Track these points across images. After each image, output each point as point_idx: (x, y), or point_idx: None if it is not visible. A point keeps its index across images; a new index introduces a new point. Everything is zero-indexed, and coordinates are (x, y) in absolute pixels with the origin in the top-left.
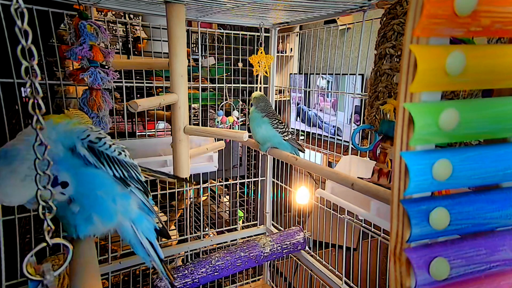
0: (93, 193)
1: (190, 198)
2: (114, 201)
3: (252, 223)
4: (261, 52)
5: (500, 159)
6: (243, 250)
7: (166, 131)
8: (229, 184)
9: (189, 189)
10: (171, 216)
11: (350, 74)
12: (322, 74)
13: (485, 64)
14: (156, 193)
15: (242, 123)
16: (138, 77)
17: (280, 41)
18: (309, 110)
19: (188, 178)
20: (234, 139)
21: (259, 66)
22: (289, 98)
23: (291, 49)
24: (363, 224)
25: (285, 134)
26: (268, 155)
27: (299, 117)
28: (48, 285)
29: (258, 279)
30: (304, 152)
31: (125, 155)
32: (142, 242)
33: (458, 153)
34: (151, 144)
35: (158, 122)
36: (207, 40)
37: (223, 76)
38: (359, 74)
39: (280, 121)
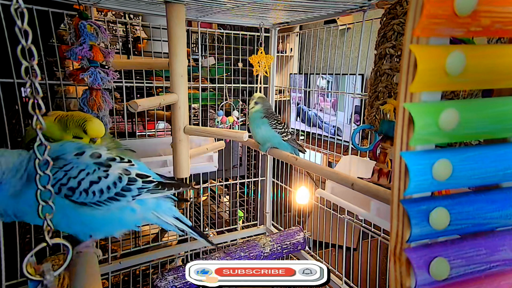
0: (104, 224)
1: (190, 198)
2: (133, 211)
3: (252, 223)
4: (261, 52)
5: (500, 159)
6: (243, 250)
7: (166, 131)
8: (229, 184)
9: (189, 189)
10: None
11: (350, 74)
12: (322, 74)
13: (485, 64)
14: None
15: (242, 123)
16: (138, 77)
17: (280, 41)
18: (309, 110)
19: (188, 181)
20: (234, 139)
21: (259, 66)
22: (289, 98)
23: (291, 49)
24: (363, 224)
25: (285, 134)
26: (268, 155)
27: (299, 117)
28: (48, 285)
29: None
30: (304, 153)
31: (109, 186)
32: (168, 222)
33: (458, 153)
34: (151, 144)
35: (158, 122)
36: (207, 40)
37: (223, 76)
38: (359, 74)
39: (279, 122)
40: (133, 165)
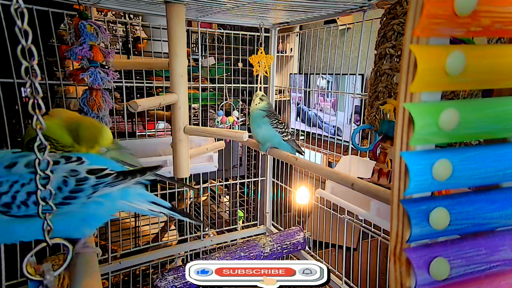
0: (74, 225)
1: (190, 198)
2: (100, 204)
3: (252, 223)
4: (261, 52)
5: (500, 159)
6: (243, 250)
7: (166, 131)
8: (229, 184)
9: (189, 189)
10: None
11: (350, 74)
12: (322, 74)
13: (485, 64)
14: (156, 193)
15: (242, 123)
16: (138, 77)
17: (280, 41)
18: (309, 110)
19: (188, 181)
20: (234, 139)
21: (259, 66)
22: (289, 98)
23: (291, 49)
24: (363, 224)
25: (285, 134)
26: (268, 155)
27: (299, 117)
28: (48, 285)
29: None
30: (303, 154)
31: (80, 182)
32: (141, 207)
33: (458, 153)
34: (151, 144)
35: (158, 122)
36: (207, 40)
37: (223, 76)
38: (359, 74)
39: (280, 121)
40: (82, 162)
